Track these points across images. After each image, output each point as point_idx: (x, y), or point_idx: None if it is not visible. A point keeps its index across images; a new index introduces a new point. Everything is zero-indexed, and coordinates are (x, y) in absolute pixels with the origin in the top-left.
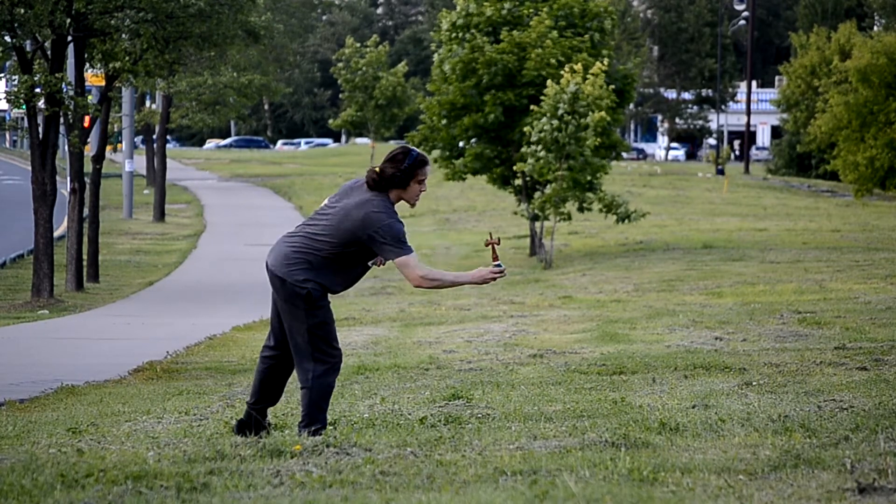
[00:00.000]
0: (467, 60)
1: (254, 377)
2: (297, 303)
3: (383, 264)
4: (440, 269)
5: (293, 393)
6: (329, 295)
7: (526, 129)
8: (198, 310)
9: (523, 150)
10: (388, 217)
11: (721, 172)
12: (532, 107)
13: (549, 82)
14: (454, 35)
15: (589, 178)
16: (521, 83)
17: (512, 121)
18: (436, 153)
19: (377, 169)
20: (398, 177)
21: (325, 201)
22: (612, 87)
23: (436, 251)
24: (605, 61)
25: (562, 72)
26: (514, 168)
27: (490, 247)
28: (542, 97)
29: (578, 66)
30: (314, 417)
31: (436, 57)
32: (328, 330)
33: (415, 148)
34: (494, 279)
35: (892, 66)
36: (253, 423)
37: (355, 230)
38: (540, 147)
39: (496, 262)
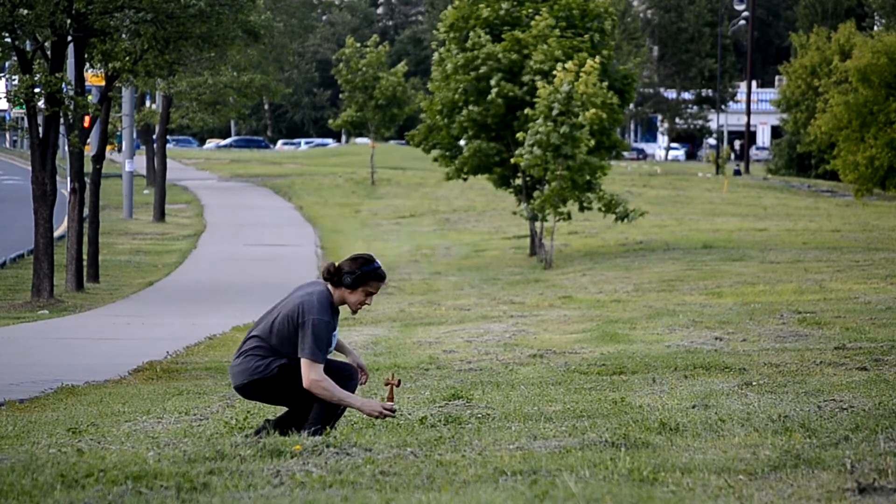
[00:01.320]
0: (470, 58)
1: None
2: (283, 382)
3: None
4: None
5: None
6: None
7: (519, 134)
8: (198, 310)
9: (520, 150)
10: (320, 313)
11: (738, 173)
12: (527, 110)
13: (539, 83)
14: (453, 35)
15: (588, 177)
16: (523, 79)
17: (513, 117)
18: (435, 153)
19: (336, 263)
20: (351, 276)
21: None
22: (607, 85)
23: (436, 251)
24: (597, 59)
25: (554, 71)
26: (512, 161)
27: (389, 387)
28: (536, 99)
29: (570, 65)
30: (322, 423)
31: (435, 56)
32: (328, 364)
33: (379, 263)
34: (382, 417)
35: (892, 65)
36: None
37: (293, 314)
38: (536, 147)
39: (391, 404)
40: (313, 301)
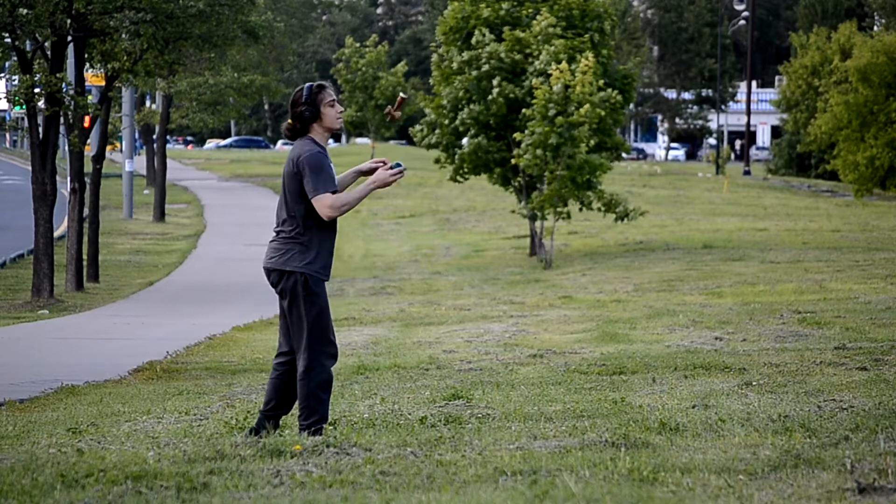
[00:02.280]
0: (473, 56)
1: (267, 385)
2: (297, 290)
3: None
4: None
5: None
6: (325, 284)
7: (516, 135)
8: (198, 310)
9: (518, 150)
10: (307, 151)
11: (748, 173)
12: (524, 111)
13: (535, 81)
14: (453, 37)
15: (587, 176)
16: (526, 78)
17: (515, 116)
18: (436, 153)
19: (288, 121)
20: (307, 111)
21: None
22: (604, 83)
23: (436, 251)
24: (591, 56)
25: (549, 70)
26: (513, 161)
27: (398, 101)
28: (534, 101)
29: (563, 65)
30: (313, 408)
31: (434, 57)
32: (326, 323)
33: (308, 84)
34: (394, 180)
35: (891, 65)
36: (265, 428)
37: (291, 170)
38: (534, 148)
39: (396, 166)
40: (300, 148)
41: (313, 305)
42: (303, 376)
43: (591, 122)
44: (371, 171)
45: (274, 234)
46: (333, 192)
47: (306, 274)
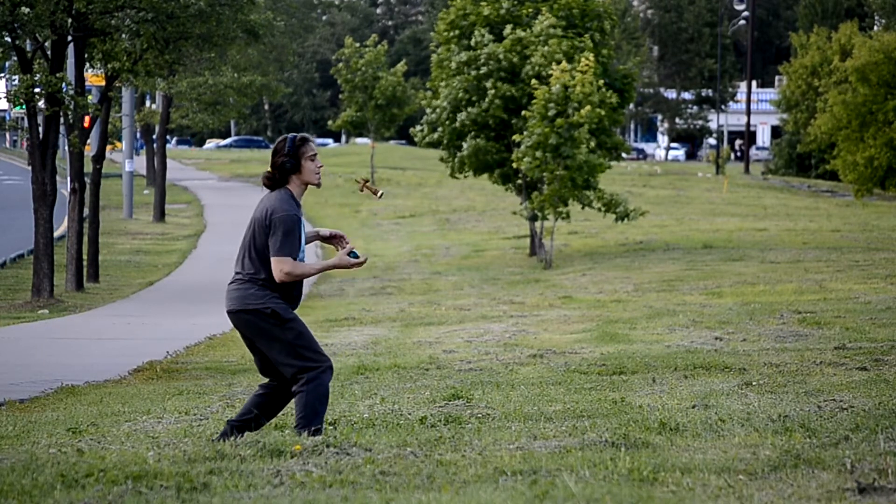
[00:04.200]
0: (473, 57)
1: (249, 399)
2: (268, 324)
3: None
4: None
5: None
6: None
7: (515, 136)
8: (198, 310)
9: (517, 152)
10: (283, 209)
11: (765, 174)
12: (524, 112)
13: (533, 82)
14: (454, 34)
15: (586, 176)
16: (523, 80)
17: (513, 118)
18: (437, 152)
19: (267, 170)
20: (288, 162)
21: None
22: (605, 83)
23: (436, 251)
24: (591, 56)
25: (549, 70)
26: (514, 165)
27: (364, 189)
28: (533, 101)
29: (564, 65)
30: (309, 420)
31: (433, 57)
32: (308, 339)
33: (291, 134)
34: (354, 267)
35: (890, 65)
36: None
37: (264, 220)
38: (534, 149)
39: (355, 254)
40: (276, 201)
41: (290, 330)
42: (299, 389)
43: (590, 123)
44: (331, 238)
45: (232, 277)
46: (295, 258)
47: (271, 307)
